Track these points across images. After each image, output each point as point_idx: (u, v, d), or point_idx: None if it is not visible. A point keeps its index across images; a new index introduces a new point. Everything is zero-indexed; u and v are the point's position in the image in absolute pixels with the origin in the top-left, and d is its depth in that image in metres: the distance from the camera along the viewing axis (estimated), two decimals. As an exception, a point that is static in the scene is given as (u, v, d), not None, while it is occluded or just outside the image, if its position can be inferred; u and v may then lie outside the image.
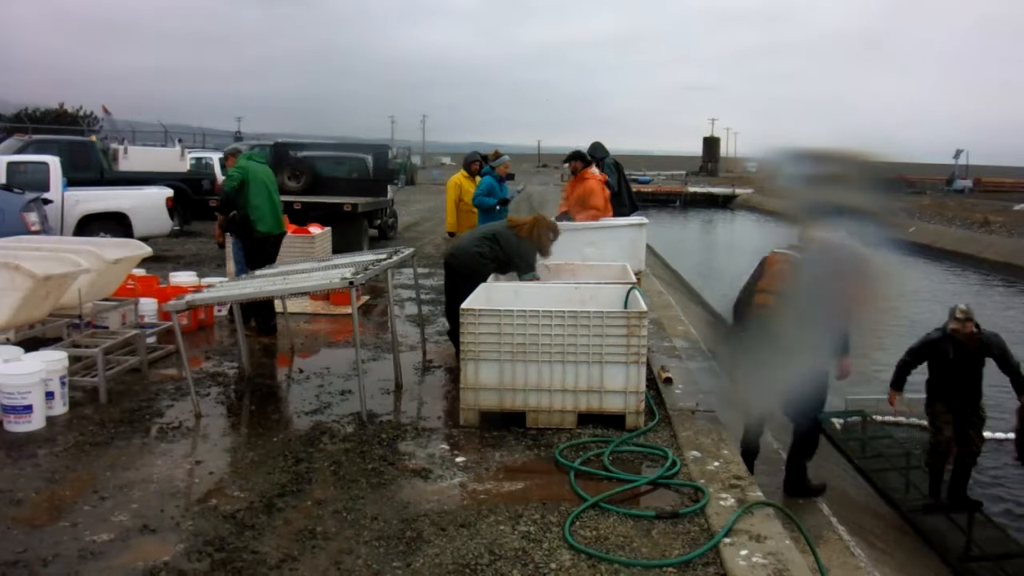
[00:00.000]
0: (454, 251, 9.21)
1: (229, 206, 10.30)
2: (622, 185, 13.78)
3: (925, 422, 11.87)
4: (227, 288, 8.39)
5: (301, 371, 8.97)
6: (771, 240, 7.93)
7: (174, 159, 23.25)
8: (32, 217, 13.41)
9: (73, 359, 7.85)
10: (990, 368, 8.97)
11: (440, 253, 17.73)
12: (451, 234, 13.29)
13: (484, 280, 8.68)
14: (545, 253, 9.10)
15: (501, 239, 8.98)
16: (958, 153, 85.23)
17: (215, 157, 27.98)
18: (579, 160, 12.35)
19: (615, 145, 14.56)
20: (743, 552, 4.92)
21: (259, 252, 10.10)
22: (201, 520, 5.30)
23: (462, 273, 8.93)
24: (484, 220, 11.72)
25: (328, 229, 15.21)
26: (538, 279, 8.93)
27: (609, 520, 5.37)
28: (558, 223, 9.44)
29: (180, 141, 31.47)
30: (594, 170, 12.42)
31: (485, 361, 7.11)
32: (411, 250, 9.67)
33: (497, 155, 12.80)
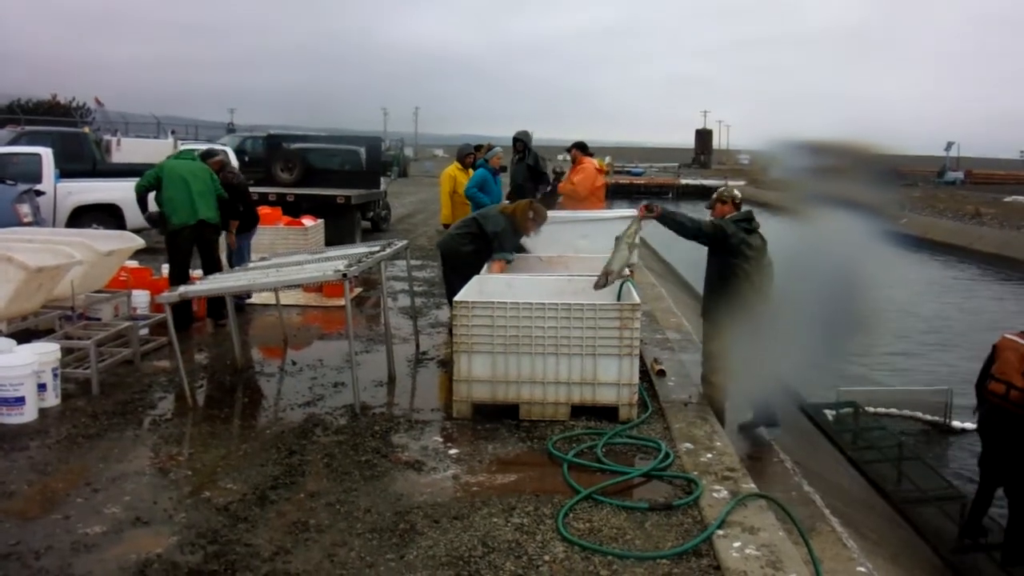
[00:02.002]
0: (443, 237, 9.37)
1: (141, 204, 10.39)
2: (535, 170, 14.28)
3: (918, 413, 11.94)
4: (220, 280, 8.38)
5: (294, 363, 8.96)
6: (764, 231, 7.92)
7: (167, 151, 23.08)
8: (24, 209, 13.37)
9: (66, 351, 7.83)
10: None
11: (433, 245, 17.74)
12: (446, 226, 13.33)
13: (466, 261, 8.88)
14: (525, 233, 9.22)
15: (482, 218, 9.17)
16: (949, 145, 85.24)
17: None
18: (579, 149, 12.88)
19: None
20: (736, 544, 4.93)
21: (174, 243, 10.06)
22: (194, 512, 5.30)
23: (445, 256, 9.26)
24: None
25: (321, 221, 15.20)
26: (509, 260, 8.97)
27: (602, 512, 5.38)
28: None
29: (173, 133, 31.31)
30: (592, 161, 12.99)
31: (478, 353, 7.11)
32: (404, 242, 9.66)
33: (490, 147, 12.83)
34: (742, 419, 8.33)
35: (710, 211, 8.14)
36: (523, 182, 13.79)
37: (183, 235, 9.97)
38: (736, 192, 8.25)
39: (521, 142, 14.00)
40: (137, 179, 10.39)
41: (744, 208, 8.03)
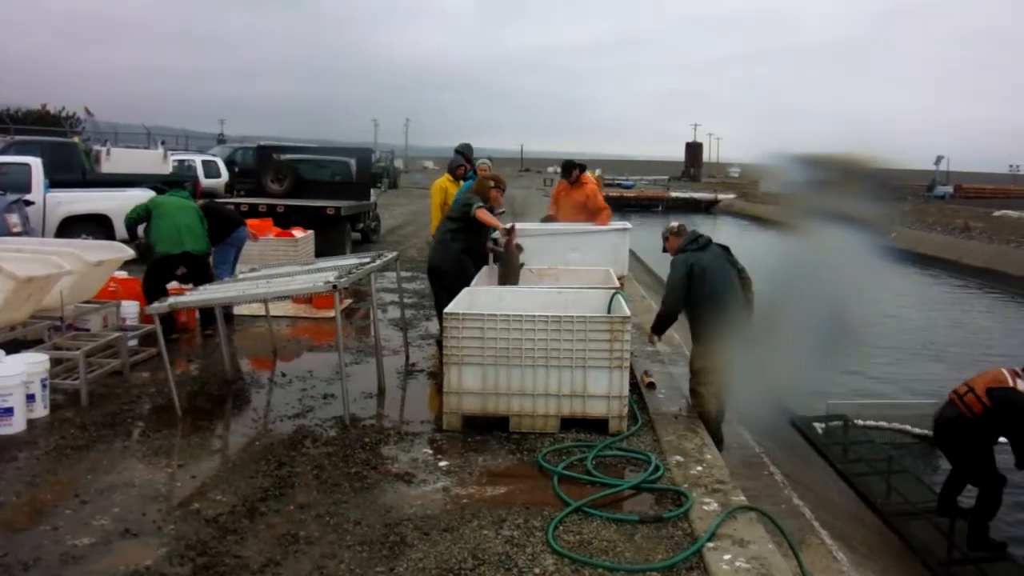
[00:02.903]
0: (430, 251, 9.56)
1: (131, 234, 10.58)
2: None
3: (908, 426, 11.96)
4: (210, 291, 8.36)
5: (284, 375, 8.94)
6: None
7: (157, 161, 23.13)
8: (14, 218, 13.35)
9: (54, 362, 7.81)
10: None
11: (424, 257, 17.73)
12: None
13: (457, 262, 9.16)
14: (494, 203, 9.56)
15: (452, 211, 9.63)
16: (939, 159, 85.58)
17: (198, 159, 27.89)
18: (578, 168, 12.73)
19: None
20: (726, 556, 4.93)
21: (155, 267, 10.11)
22: (183, 524, 5.28)
23: (437, 268, 9.42)
24: None
25: (311, 232, 15.19)
26: (467, 211, 9.24)
27: (592, 524, 5.37)
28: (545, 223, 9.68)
29: (163, 143, 31.33)
30: (589, 174, 12.87)
31: (468, 365, 7.11)
32: (394, 254, 9.66)
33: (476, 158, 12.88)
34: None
35: (665, 251, 8.47)
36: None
37: (166, 263, 10.01)
38: (672, 224, 8.65)
39: (463, 155, 13.94)
40: (125, 188, 10.45)
41: (689, 230, 8.36)
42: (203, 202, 11.89)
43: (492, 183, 9.64)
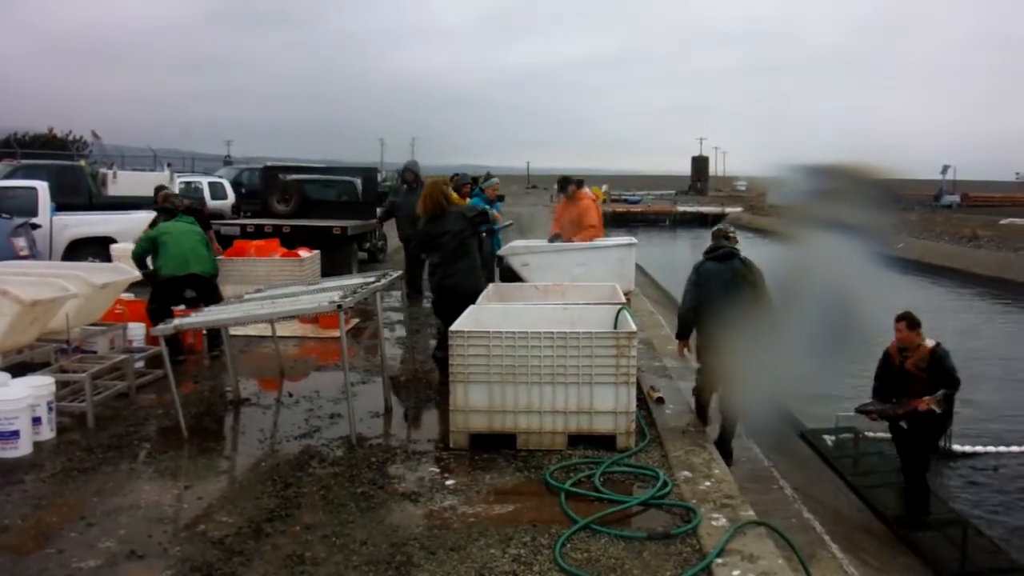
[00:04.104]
0: (450, 279, 9.12)
1: (139, 267, 10.49)
2: None
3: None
4: (215, 312, 8.36)
5: (290, 395, 8.93)
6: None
7: (163, 183, 23.20)
8: (21, 242, 13.38)
9: (61, 384, 7.82)
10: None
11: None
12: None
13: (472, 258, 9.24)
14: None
15: (451, 223, 9.24)
16: (945, 169, 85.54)
17: (204, 181, 27.94)
18: (573, 183, 12.66)
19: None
20: (736, 572, 4.91)
21: (160, 289, 10.17)
22: (189, 546, 5.26)
23: (475, 284, 9.22)
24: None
25: (317, 252, 15.18)
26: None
27: (600, 542, 5.35)
28: (551, 243, 9.66)
29: (169, 165, 31.43)
30: (587, 190, 12.76)
31: (474, 383, 7.09)
32: (400, 272, 9.66)
33: (488, 177, 12.88)
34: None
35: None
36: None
37: (172, 284, 10.04)
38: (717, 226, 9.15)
39: (411, 172, 13.99)
40: (131, 211, 10.50)
41: (723, 236, 8.66)
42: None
43: (450, 186, 9.66)
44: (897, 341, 9.04)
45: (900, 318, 8.97)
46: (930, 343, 8.91)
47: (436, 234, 9.01)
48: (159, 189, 13.44)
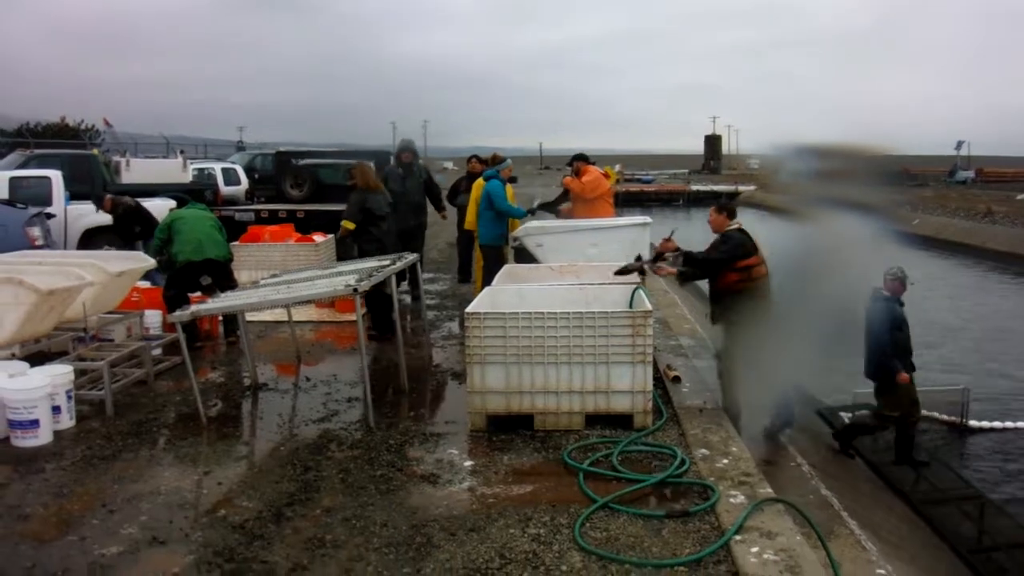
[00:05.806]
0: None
1: (159, 254, 10.47)
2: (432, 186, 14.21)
3: (935, 413, 11.87)
4: (232, 298, 8.38)
5: (308, 379, 8.95)
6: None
7: (176, 170, 23.13)
8: (35, 232, 13.41)
9: (79, 372, 7.85)
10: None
11: (444, 258, 17.73)
12: (468, 232, 13.39)
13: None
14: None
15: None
16: (959, 144, 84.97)
17: (218, 167, 27.94)
18: (580, 160, 12.89)
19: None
20: (754, 549, 4.91)
21: (177, 275, 10.15)
22: (210, 531, 5.30)
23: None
24: (499, 223, 11.81)
25: (331, 236, 15.20)
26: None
27: (619, 521, 5.36)
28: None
29: (182, 152, 31.36)
30: (594, 167, 13.13)
31: (491, 364, 7.10)
32: (415, 255, 9.67)
33: (495, 158, 12.83)
34: (761, 425, 8.30)
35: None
36: (420, 199, 13.56)
37: (188, 270, 10.04)
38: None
39: (408, 151, 13.60)
40: (145, 198, 10.55)
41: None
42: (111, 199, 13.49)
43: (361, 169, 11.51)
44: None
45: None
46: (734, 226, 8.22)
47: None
48: (100, 198, 14.21)
